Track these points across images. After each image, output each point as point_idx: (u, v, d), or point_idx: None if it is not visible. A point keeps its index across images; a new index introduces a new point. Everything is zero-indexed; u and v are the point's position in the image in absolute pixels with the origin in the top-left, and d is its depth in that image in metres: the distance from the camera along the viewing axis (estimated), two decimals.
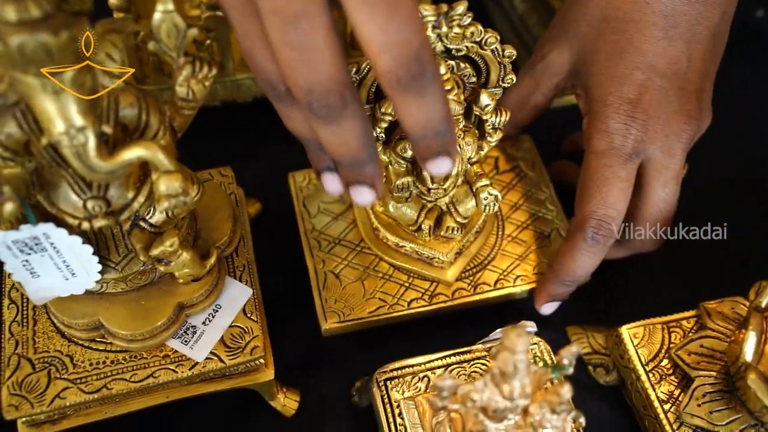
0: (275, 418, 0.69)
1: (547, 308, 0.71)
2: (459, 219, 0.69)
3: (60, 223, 0.55)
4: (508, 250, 0.74)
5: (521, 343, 0.49)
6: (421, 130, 0.51)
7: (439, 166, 0.54)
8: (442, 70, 0.59)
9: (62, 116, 0.48)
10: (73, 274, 0.58)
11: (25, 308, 0.63)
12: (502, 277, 0.72)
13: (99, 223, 0.55)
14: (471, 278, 0.72)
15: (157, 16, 0.51)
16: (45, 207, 0.55)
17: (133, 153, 0.51)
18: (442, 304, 0.70)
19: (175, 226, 0.58)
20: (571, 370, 0.53)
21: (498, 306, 0.73)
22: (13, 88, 0.49)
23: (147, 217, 0.57)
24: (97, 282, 0.59)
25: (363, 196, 0.55)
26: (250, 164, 0.80)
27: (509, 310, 0.74)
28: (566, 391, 0.51)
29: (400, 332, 0.71)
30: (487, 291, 0.71)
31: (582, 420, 0.56)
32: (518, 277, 0.72)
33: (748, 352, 0.62)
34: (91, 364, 0.61)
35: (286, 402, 0.68)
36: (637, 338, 0.68)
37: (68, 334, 0.61)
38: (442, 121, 0.51)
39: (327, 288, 0.70)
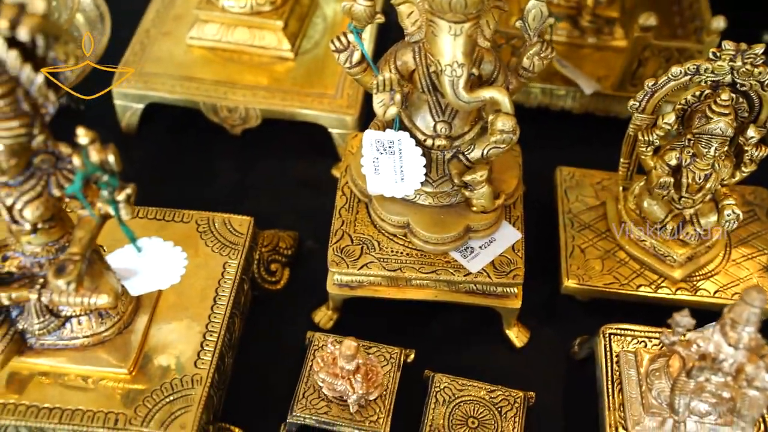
0: (505, 347, 0.84)
1: None
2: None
3: (412, 135, 0.75)
4: (732, 271, 0.85)
5: (759, 299, 0.61)
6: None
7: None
8: (725, 96, 0.74)
9: (452, 53, 0.68)
10: (402, 179, 0.77)
11: (351, 200, 0.83)
12: (721, 289, 0.84)
13: (439, 142, 0.74)
14: (694, 283, 0.84)
15: (531, 3, 0.70)
16: (404, 122, 0.75)
17: (489, 92, 0.69)
18: (665, 296, 0.83)
19: (486, 163, 0.76)
20: None
21: (713, 313, 0.84)
22: (421, 30, 0.70)
23: (466, 153, 0.76)
24: (415, 191, 0.78)
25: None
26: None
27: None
28: None
29: (625, 310, 0.84)
30: (706, 297, 0.83)
31: None
32: (735, 294, 0.83)
33: None
34: (393, 251, 0.79)
35: (519, 335, 0.84)
36: None
37: (379, 226, 0.80)
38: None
39: (573, 257, 0.85)
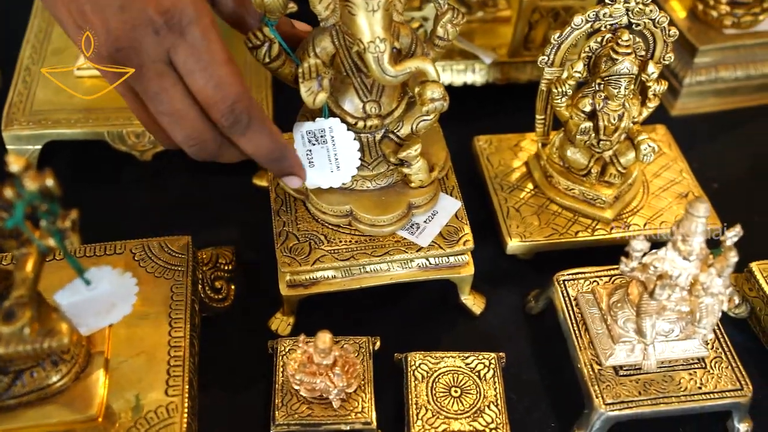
0: (465, 316, 0.85)
1: None
2: (620, 168, 0.86)
3: (342, 121, 0.75)
4: (653, 203, 0.90)
5: (703, 208, 0.65)
6: (260, 159, 0.69)
7: (290, 183, 0.72)
8: (626, 37, 0.79)
9: (372, 29, 0.68)
10: (338, 167, 0.76)
11: (287, 200, 0.81)
12: (649, 221, 0.88)
13: (371, 122, 0.75)
14: (624, 220, 0.88)
15: None
16: (332, 108, 0.75)
17: (414, 63, 0.70)
18: (602, 237, 0.87)
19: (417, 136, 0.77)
20: (726, 251, 0.68)
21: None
22: (335, 13, 0.70)
23: (396, 130, 0.76)
24: (352, 178, 0.77)
25: (292, 182, 0.73)
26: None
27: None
28: (733, 255, 0.67)
29: (565, 259, 0.87)
30: (638, 230, 0.87)
31: (736, 298, 0.71)
32: (663, 222, 0.88)
33: None
34: (342, 242, 0.78)
35: (475, 302, 0.85)
36: (766, 273, 0.83)
37: (322, 219, 0.79)
38: (273, 151, 0.68)
39: (510, 218, 0.88)
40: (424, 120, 0.75)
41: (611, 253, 0.88)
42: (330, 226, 0.79)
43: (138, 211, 0.92)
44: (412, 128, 0.76)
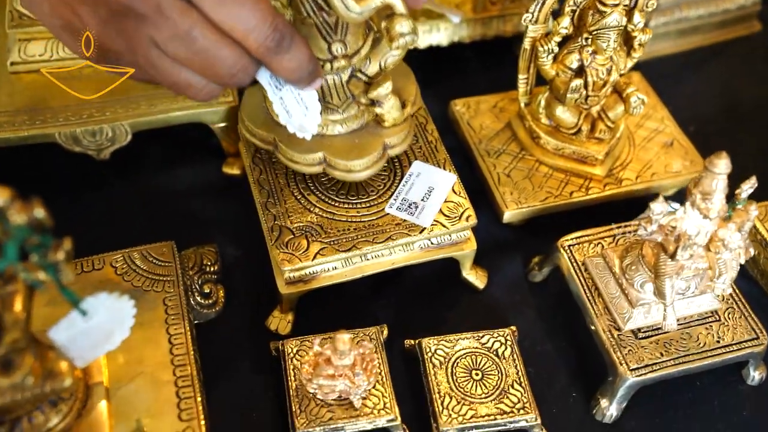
0: (468, 291, 0.82)
1: None
2: (609, 123, 0.84)
3: None
4: (641, 155, 0.89)
5: (724, 164, 0.63)
6: (298, 74, 0.64)
7: (315, 85, 0.67)
8: None
9: None
10: (306, 108, 0.69)
11: (274, 190, 0.75)
12: (640, 174, 0.87)
13: (338, 64, 0.68)
14: (616, 175, 0.86)
15: None
16: None
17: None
18: (597, 195, 0.85)
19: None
20: (746, 205, 0.67)
21: (638, 200, 0.87)
22: None
23: (364, 69, 0.70)
24: (320, 125, 0.71)
25: (317, 84, 0.67)
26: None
27: (646, 201, 0.88)
28: (753, 209, 0.65)
29: (558, 220, 0.85)
30: (631, 185, 0.86)
31: (751, 250, 0.70)
32: (653, 174, 0.87)
33: None
34: (340, 231, 0.73)
35: (478, 276, 0.81)
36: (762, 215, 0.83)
37: (295, 169, 0.73)
38: (311, 60, 0.64)
39: (502, 184, 0.84)
40: (393, 56, 0.70)
41: (604, 210, 0.87)
42: (324, 216, 0.74)
43: (104, 216, 0.84)
44: (380, 66, 0.70)
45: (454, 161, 0.84)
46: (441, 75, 1.02)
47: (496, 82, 0.96)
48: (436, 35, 0.98)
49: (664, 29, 1.05)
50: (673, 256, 0.67)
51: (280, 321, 0.77)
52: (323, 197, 0.76)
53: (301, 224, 0.73)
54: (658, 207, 0.66)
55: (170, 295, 0.69)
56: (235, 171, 0.88)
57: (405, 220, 0.75)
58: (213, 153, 0.89)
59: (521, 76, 0.85)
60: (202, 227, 0.84)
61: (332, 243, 0.72)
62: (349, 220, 0.74)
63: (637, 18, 0.79)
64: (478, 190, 0.86)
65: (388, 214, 0.75)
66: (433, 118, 0.87)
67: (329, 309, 0.79)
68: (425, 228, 0.74)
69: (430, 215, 0.75)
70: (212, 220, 0.85)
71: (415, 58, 1.02)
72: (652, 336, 0.73)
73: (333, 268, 0.74)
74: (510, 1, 0.97)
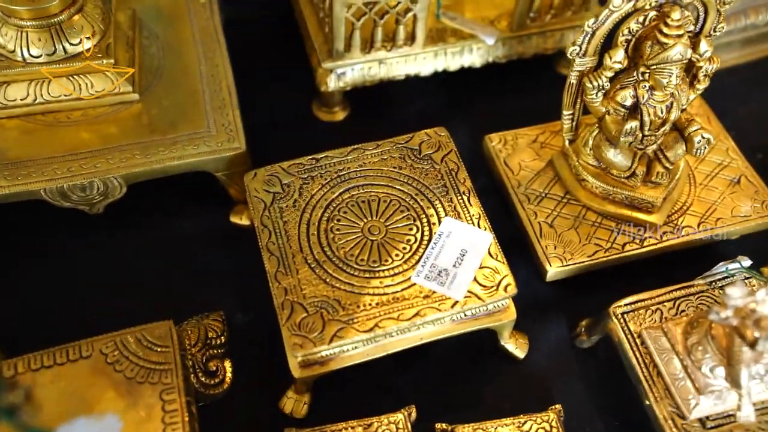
0: (506, 362, 0.72)
1: None
2: (667, 164, 0.73)
3: None
4: (703, 196, 0.78)
5: None
6: None
7: None
8: (677, 15, 0.64)
9: None
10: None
11: (284, 257, 0.66)
12: (703, 220, 0.76)
13: None
14: (675, 223, 0.76)
15: None
16: None
17: None
18: (653, 246, 0.74)
19: None
20: None
21: (699, 249, 0.77)
22: None
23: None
24: None
25: None
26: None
27: (710, 252, 0.77)
28: None
29: (612, 275, 0.75)
30: (692, 234, 0.75)
31: None
32: (718, 219, 0.76)
33: None
34: (359, 307, 0.64)
35: (518, 344, 0.72)
36: None
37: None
38: None
39: (544, 236, 0.74)
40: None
41: (660, 260, 0.77)
42: (342, 288, 0.65)
43: (97, 279, 0.76)
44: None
45: (489, 203, 0.74)
46: (474, 99, 0.91)
47: (535, 106, 0.85)
48: (468, 57, 0.87)
49: (726, 39, 0.93)
50: (753, 345, 0.57)
51: (295, 402, 0.68)
52: (341, 264, 0.66)
53: (316, 299, 0.64)
54: (735, 292, 0.55)
55: (168, 389, 0.61)
56: (243, 221, 0.78)
57: (434, 292, 0.65)
58: (218, 200, 0.80)
59: (566, 112, 0.74)
60: (207, 287, 0.75)
61: (351, 322, 0.63)
62: (371, 293, 0.65)
63: (704, 47, 0.68)
64: (517, 238, 0.77)
65: (415, 284, 0.66)
66: (463, 150, 0.77)
67: (351, 387, 0.70)
68: (458, 301, 0.65)
69: (463, 286, 0.65)
70: (218, 279, 0.76)
71: (444, 82, 0.92)
72: (723, 425, 0.63)
73: (353, 348, 0.65)
74: (552, 16, 0.86)
